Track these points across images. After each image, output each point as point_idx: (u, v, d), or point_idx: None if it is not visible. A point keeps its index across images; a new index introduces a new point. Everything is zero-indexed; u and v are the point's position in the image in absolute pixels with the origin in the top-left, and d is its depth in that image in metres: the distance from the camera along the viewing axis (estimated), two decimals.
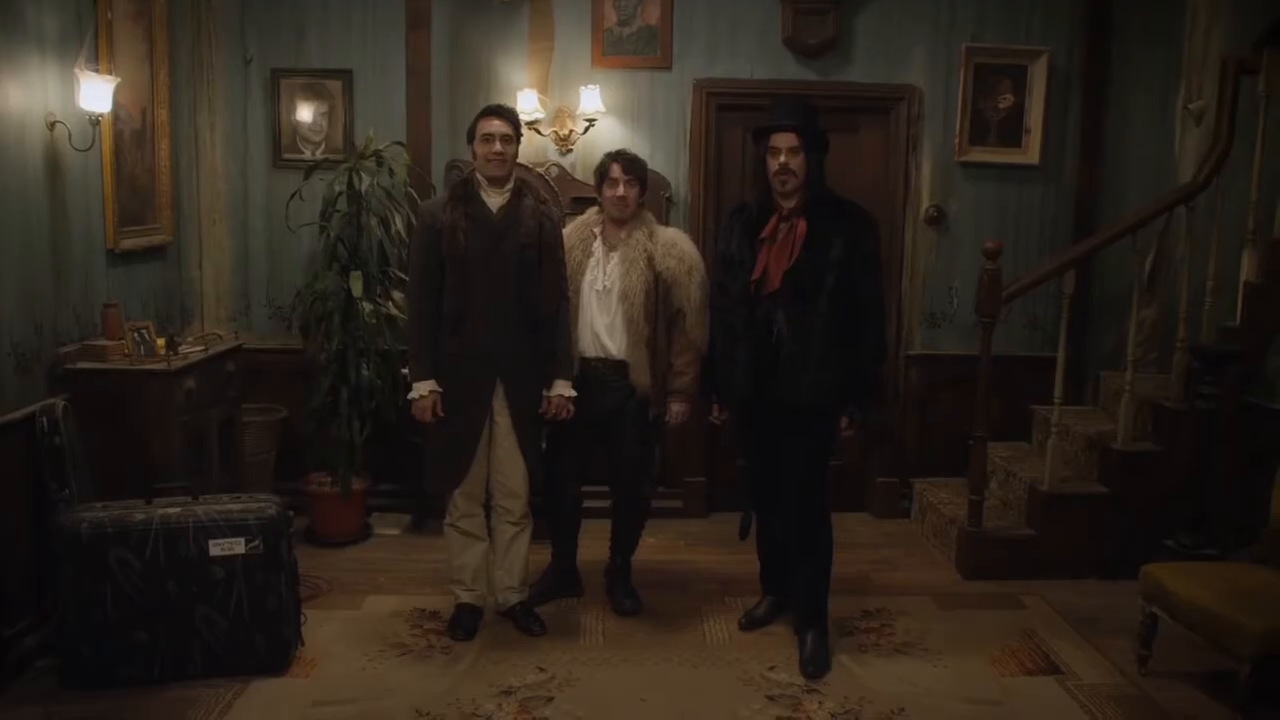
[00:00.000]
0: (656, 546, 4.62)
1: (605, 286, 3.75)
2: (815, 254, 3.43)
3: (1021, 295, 4.50)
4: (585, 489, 4.01)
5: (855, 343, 3.47)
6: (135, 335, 3.90)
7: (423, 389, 3.59)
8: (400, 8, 4.73)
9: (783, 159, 3.43)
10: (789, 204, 3.49)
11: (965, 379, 4.71)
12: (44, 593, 3.45)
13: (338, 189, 4.54)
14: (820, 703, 3.30)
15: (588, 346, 3.77)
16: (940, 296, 5.18)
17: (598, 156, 3.95)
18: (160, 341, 3.99)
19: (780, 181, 3.46)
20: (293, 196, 4.64)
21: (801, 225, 3.45)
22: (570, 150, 4.97)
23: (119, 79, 3.96)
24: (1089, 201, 5.12)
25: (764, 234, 3.50)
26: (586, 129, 4.85)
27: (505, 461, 3.66)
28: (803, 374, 3.42)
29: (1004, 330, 4.80)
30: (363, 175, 4.58)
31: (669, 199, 4.98)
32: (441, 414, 3.60)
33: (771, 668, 3.53)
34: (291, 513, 3.57)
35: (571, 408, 3.67)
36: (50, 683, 3.29)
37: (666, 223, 4.59)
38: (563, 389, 3.66)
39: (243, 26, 4.89)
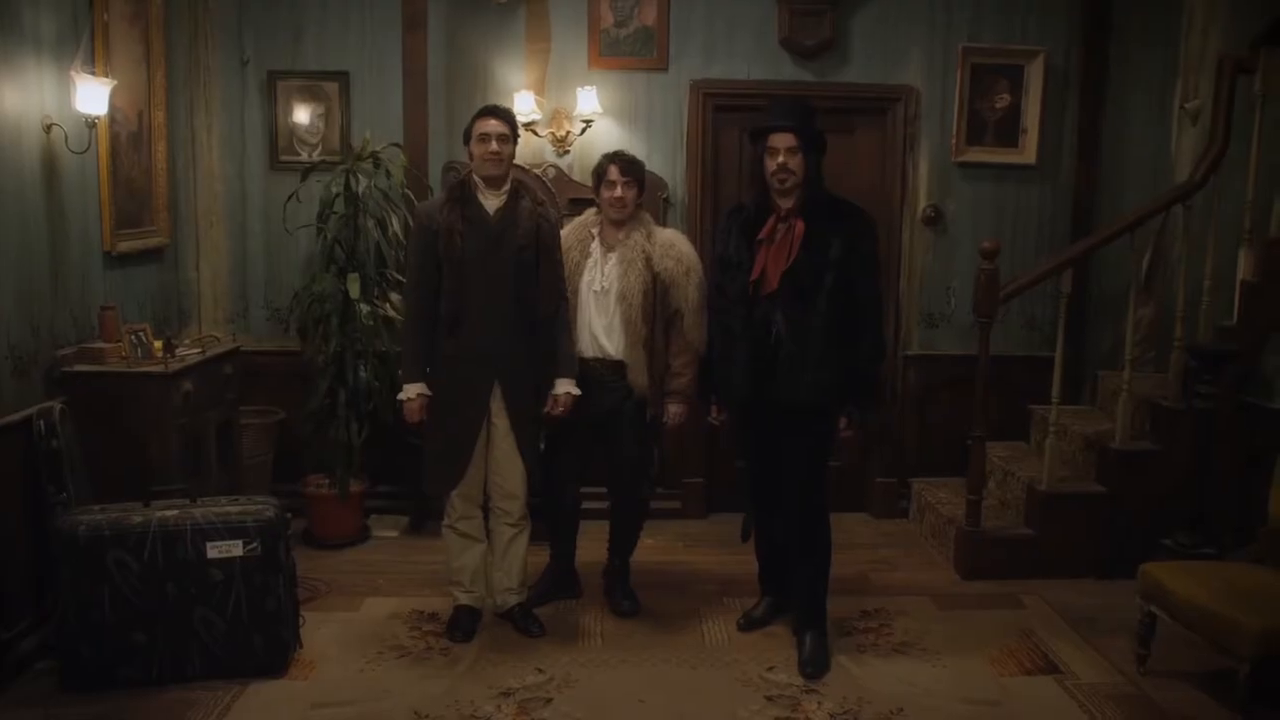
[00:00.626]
0: (655, 547, 4.62)
1: (603, 287, 3.75)
2: (813, 254, 3.43)
3: (1019, 295, 4.49)
4: (584, 490, 4.01)
5: (853, 343, 3.47)
6: (132, 338, 3.90)
7: (411, 392, 3.59)
8: (397, 9, 4.74)
9: (781, 159, 3.43)
10: (787, 204, 3.48)
11: (963, 379, 4.72)
12: (43, 595, 3.45)
13: (335, 191, 4.54)
14: (819, 703, 3.30)
15: (586, 347, 3.77)
16: (938, 297, 5.18)
17: (595, 157, 3.95)
18: (158, 344, 4.00)
19: (779, 181, 3.45)
20: (290, 198, 4.65)
21: (799, 226, 3.45)
22: (567, 151, 4.97)
23: (115, 81, 3.95)
24: (1086, 201, 5.13)
25: (762, 235, 3.50)
26: (583, 130, 4.85)
27: (503, 463, 3.66)
28: (801, 374, 3.42)
29: (1002, 330, 4.80)
30: (360, 177, 4.57)
31: (666, 200, 4.98)
32: (426, 417, 3.60)
33: (770, 668, 3.53)
34: (289, 515, 3.57)
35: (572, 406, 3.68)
36: (49, 684, 3.29)
37: (664, 223, 4.59)
38: (568, 387, 3.66)
39: (239, 28, 4.89)
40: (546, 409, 3.66)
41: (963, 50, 4.99)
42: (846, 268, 3.43)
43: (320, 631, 3.71)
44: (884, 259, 4.41)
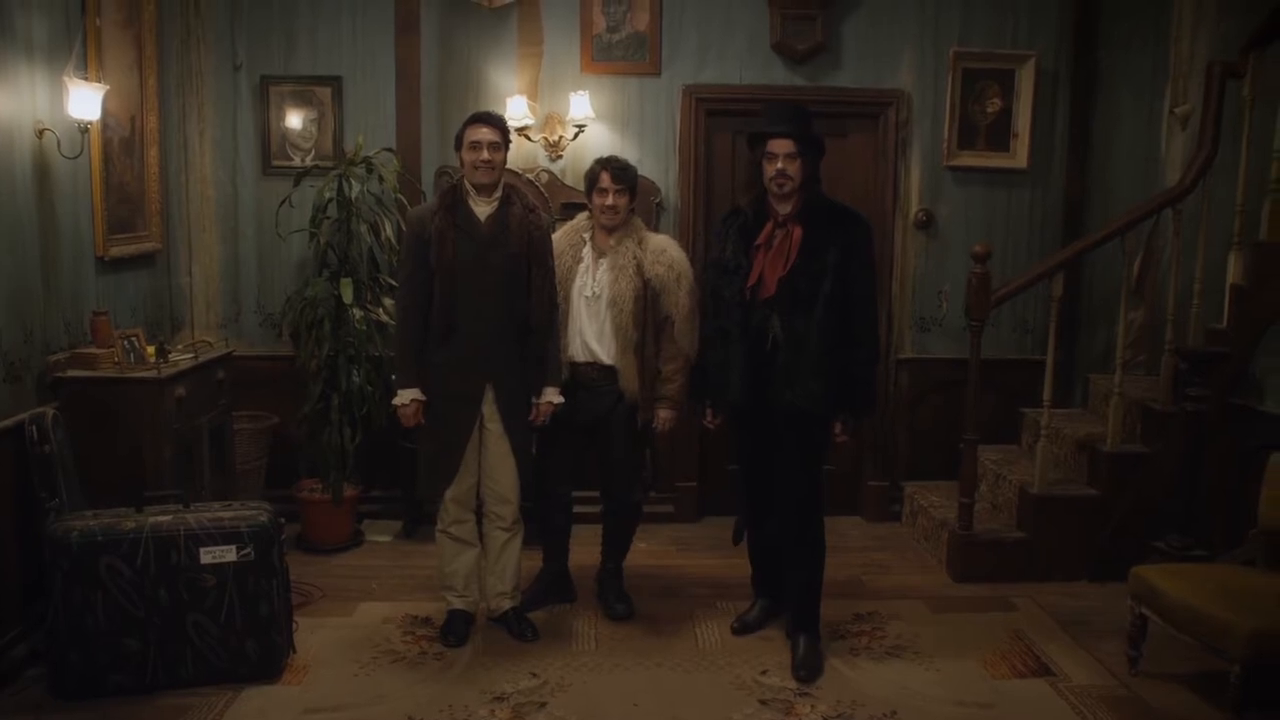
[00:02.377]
0: (648, 551, 4.63)
1: (595, 293, 3.75)
2: (811, 260, 3.44)
3: (1010, 298, 4.51)
4: (578, 494, 4.01)
5: (849, 348, 3.48)
6: (125, 343, 3.89)
7: (405, 397, 3.60)
8: (389, 13, 4.75)
9: (780, 165, 3.45)
10: (784, 209, 3.49)
11: (955, 382, 4.73)
12: (33, 601, 3.43)
13: (327, 195, 4.54)
14: (812, 706, 3.31)
15: (577, 352, 3.78)
16: (930, 300, 5.20)
17: (587, 162, 3.96)
18: (150, 349, 3.99)
19: (777, 186, 3.47)
20: (282, 203, 4.65)
21: (797, 232, 3.46)
22: (560, 156, 4.97)
23: (108, 86, 3.94)
24: (1077, 205, 5.15)
25: (759, 241, 3.51)
26: (576, 135, 4.86)
27: (496, 467, 3.67)
28: (797, 380, 3.43)
29: (993, 333, 4.82)
30: (352, 182, 4.58)
31: (658, 204, 4.99)
32: (421, 421, 3.61)
33: (764, 672, 3.54)
34: (283, 520, 3.56)
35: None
36: (40, 692, 3.27)
37: (656, 228, 4.60)
38: (551, 395, 3.66)
39: (232, 33, 4.88)
40: (530, 417, 3.67)
41: (954, 54, 5.01)
42: (844, 274, 3.44)
43: (314, 636, 3.71)
44: (876, 263, 4.42)
